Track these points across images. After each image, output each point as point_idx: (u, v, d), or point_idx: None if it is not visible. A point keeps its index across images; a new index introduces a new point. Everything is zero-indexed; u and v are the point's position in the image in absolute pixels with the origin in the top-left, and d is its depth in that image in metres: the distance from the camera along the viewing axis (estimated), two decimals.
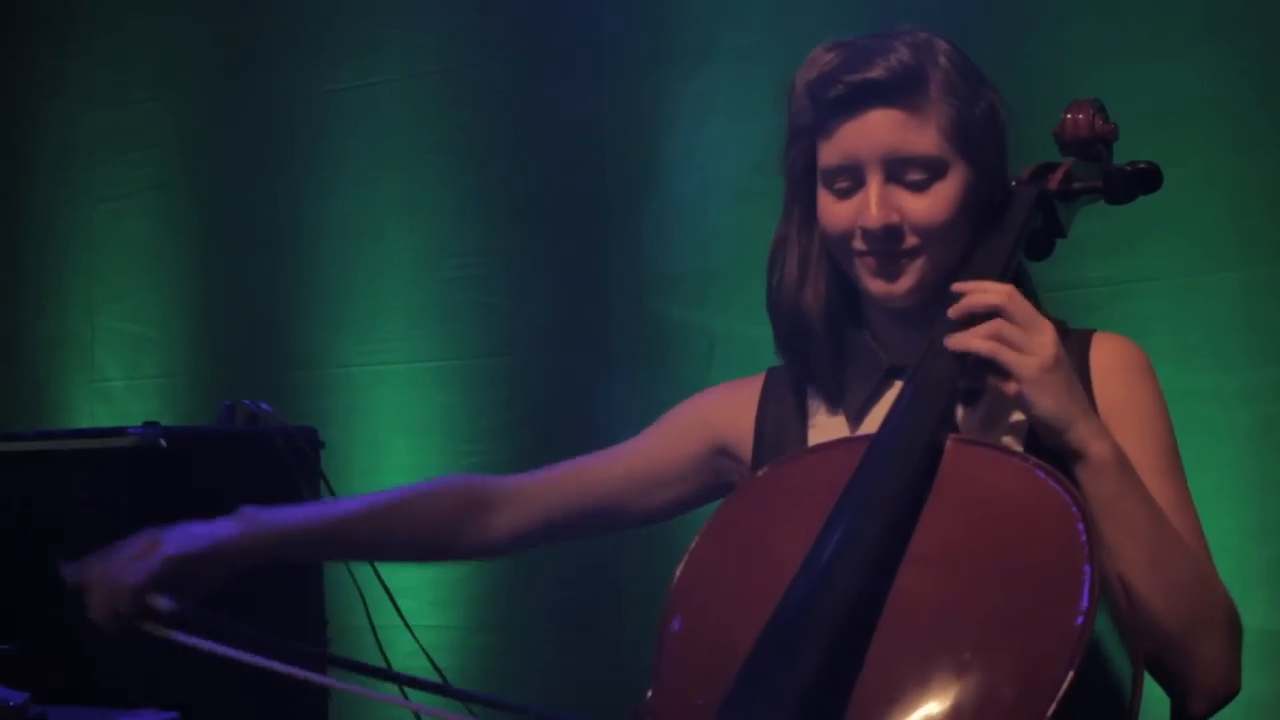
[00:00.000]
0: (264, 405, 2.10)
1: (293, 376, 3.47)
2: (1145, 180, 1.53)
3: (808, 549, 1.23)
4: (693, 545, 1.35)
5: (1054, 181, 1.51)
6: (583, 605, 3.04)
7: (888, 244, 1.41)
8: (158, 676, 1.84)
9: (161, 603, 1.41)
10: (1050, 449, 1.32)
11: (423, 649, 2.55)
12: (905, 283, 1.43)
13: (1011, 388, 1.32)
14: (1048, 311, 1.39)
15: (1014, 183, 1.52)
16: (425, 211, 3.34)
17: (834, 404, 1.54)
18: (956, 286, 1.37)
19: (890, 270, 1.43)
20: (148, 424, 1.97)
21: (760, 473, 1.41)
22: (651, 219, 3.04)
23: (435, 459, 3.26)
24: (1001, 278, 1.39)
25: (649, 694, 1.26)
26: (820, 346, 1.52)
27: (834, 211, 1.44)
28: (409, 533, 1.60)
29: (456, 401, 3.26)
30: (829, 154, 1.44)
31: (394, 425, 3.32)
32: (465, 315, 3.27)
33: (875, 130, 1.40)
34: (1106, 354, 1.47)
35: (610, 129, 3.14)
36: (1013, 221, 1.46)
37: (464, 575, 3.23)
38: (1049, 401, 1.30)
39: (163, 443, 1.88)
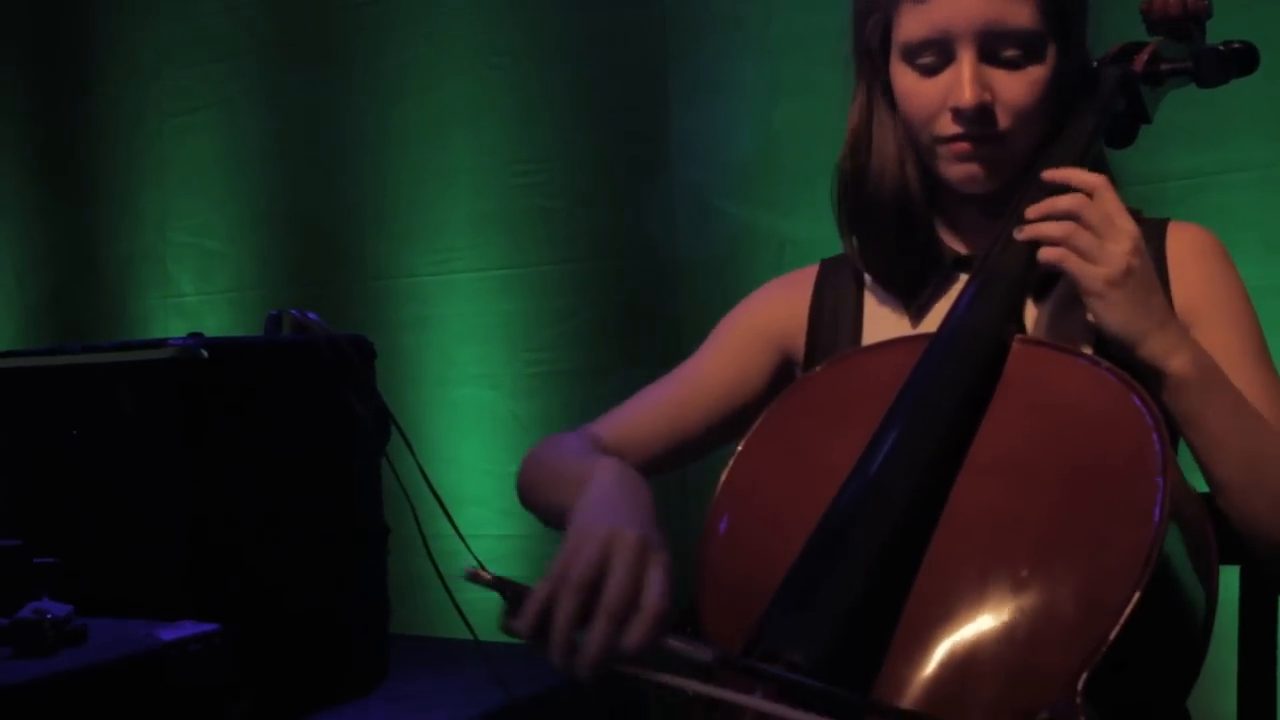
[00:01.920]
0: (311, 314, 2.07)
1: (363, 287, 3.46)
2: (1240, 61, 1.42)
3: (860, 453, 1.17)
4: (740, 448, 1.31)
5: (1139, 63, 1.42)
6: None
7: (979, 126, 1.32)
8: (199, 590, 1.84)
9: (700, 652, 1.05)
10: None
11: (476, 559, 2.52)
12: (991, 168, 1.35)
13: (1085, 301, 1.25)
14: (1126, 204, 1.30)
15: (1096, 64, 1.42)
16: (489, 117, 3.29)
17: (897, 298, 1.46)
18: (1048, 175, 1.29)
19: (978, 155, 1.34)
20: (191, 335, 1.95)
21: (813, 372, 1.35)
22: (718, 117, 2.96)
23: (502, 368, 3.23)
24: (1079, 164, 1.31)
25: (692, 601, 1.22)
26: (921, 233, 1.43)
27: (918, 90, 1.35)
28: None
29: (522, 309, 3.22)
30: (915, 25, 1.33)
31: (460, 334, 3.30)
32: (530, 222, 3.22)
33: (972, 1, 1.29)
34: (1183, 244, 1.38)
35: (674, 25, 3.04)
36: (1093, 105, 1.37)
37: None
38: (1116, 316, 1.22)
39: (204, 353, 1.85)
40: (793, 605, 1.08)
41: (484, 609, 2.84)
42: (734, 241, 2.98)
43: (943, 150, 1.36)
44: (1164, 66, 1.43)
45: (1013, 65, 1.32)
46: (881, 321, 1.46)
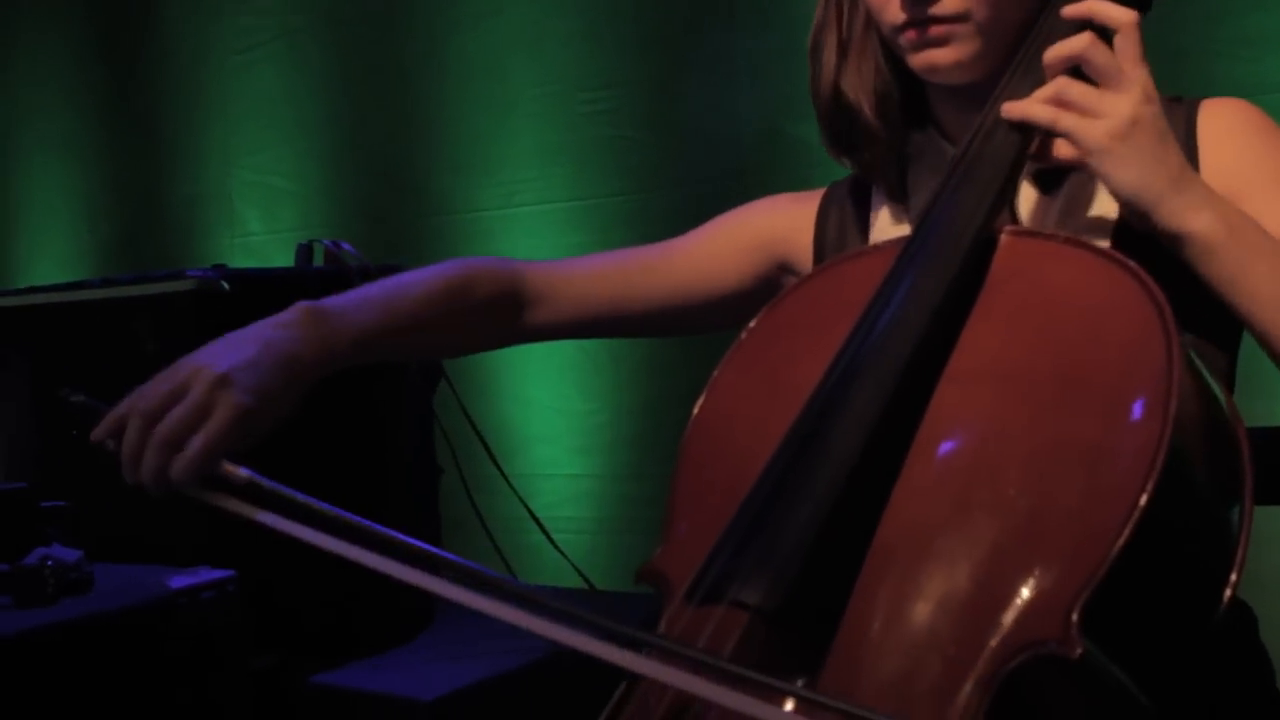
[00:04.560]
0: (345, 244, 1.97)
1: (427, 223, 3.37)
2: None
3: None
4: (713, 376, 1.17)
5: None
6: None
7: (926, 6, 1.18)
8: (213, 534, 1.75)
9: (239, 473, 1.10)
10: (1144, 238, 1.10)
11: (522, 502, 2.42)
12: (949, 54, 1.21)
13: (1087, 161, 1.09)
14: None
15: None
16: (551, 43, 3.17)
17: (898, 208, 1.34)
18: (1068, 11, 1.13)
19: (934, 39, 1.20)
20: (215, 266, 1.86)
21: (791, 288, 1.21)
22: (781, 35, 2.81)
23: None
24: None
25: (658, 550, 1.10)
26: (873, 136, 1.31)
27: None
28: (463, 321, 1.36)
29: (589, 242, 3.10)
30: None
31: None
32: (596, 152, 3.10)
33: None
34: (1216, 119, 1.22)
35: None
36: None
37: (604, 422, 3.11)
38: (1126, 174, 1.07)
39: (224, 285, 1.76)
40: (743, 537, 0.96)
41: (529, 555, 2.76)
42: (807, 167, 2.82)
43: (900, 40, 1.23)
44: None
45: None
46: (886, 233, 1.35)
